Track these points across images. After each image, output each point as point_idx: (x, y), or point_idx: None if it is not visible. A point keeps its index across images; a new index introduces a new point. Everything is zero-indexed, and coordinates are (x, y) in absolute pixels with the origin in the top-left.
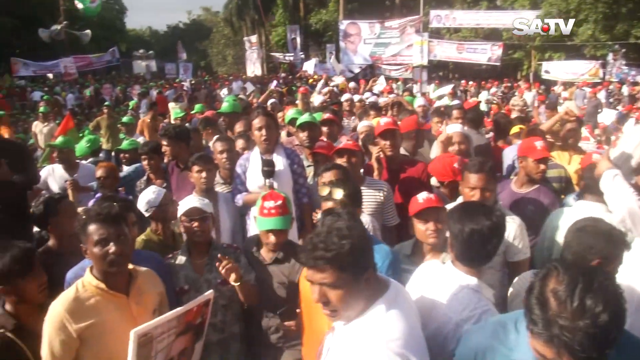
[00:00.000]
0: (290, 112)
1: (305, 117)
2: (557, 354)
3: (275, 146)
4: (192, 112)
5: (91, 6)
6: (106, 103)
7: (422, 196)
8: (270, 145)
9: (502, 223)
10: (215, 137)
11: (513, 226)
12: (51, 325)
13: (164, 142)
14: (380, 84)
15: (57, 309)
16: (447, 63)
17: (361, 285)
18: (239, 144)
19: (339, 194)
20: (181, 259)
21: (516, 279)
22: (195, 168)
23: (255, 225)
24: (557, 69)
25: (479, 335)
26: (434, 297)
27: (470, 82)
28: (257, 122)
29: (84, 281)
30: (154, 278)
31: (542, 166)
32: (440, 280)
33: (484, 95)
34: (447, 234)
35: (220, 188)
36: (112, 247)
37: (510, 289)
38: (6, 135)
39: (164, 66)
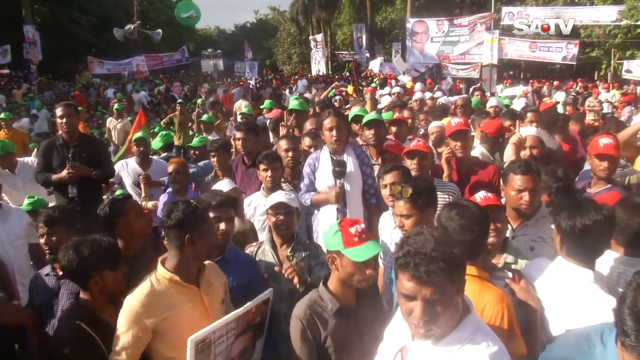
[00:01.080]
0: (354, 110)
1: (372, 115)
2: None
3: (346, 146)
4: (261, 107)
5: (189, 19)
6: (179, 101)
7: (480, 195)
8: (341, 146)
9: (613, 217)
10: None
11: None
12: (126, 319)
13: (239, 135)
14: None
15: (133, 303)
16: (518, 62)
17: (459, 296)
18: (306, 142)
19: (408, 192)
20: (265, 249)
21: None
22: (262, 166)
23: (322, 227)
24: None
25: (560, 348)
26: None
27: (554, 82)
28: (327, 122)
29: (157, 275)
30: (217, 270)
31: (604, 163)
32: (558, 279)
33: (560, 96)
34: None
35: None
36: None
37: None
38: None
39: (233, 64)
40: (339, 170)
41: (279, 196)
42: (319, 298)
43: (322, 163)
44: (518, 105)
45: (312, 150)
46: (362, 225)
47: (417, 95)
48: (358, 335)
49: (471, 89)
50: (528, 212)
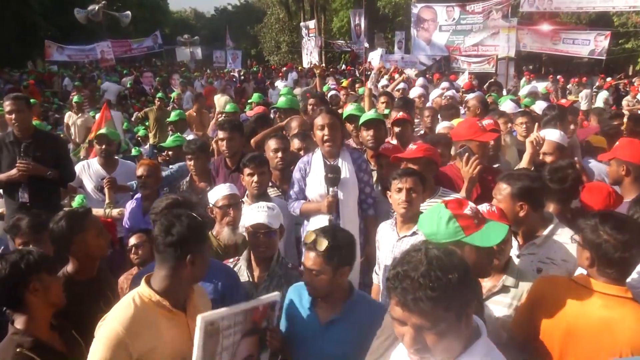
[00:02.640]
0: (349, 108)
1: (371, 114)
2: None
3: (340, 149)
4: (249, 101)
5: None
6: (159, 95)
7: (482, 208)
8: (335, 148)
9: None
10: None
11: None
12: (107, 345)
13: (223, 135)
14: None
15: (115, 327)
16: (539, 55)
17: (462, 322)
18: (295, 143)
19: (323, 245)
20: (241, 268)
21: None
22: (247, 171)
23: None
24: None
25: None
26: None
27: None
28: (319, 120)
29: (141, 295)
30: (204, 294)
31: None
32: None
33: (602, 95)
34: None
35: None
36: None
37: None
38: None
39: (212, 54)
40: (333, 177)
41: (260, 214)
42: None
43: (314, 168)
44: (539, 107)
45: (301, 153)
46: (471, 204)
47: (418, 89)
48: None
49: (486, 86)
50: None
